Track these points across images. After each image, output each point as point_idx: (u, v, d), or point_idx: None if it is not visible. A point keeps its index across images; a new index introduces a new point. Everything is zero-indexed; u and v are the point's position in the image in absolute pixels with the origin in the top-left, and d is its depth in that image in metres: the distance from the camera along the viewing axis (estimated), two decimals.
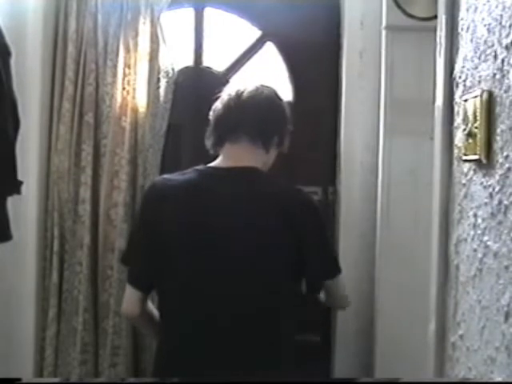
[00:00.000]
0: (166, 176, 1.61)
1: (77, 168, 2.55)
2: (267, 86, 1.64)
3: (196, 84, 2.68)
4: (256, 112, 1.57)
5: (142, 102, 2.54)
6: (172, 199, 1.51)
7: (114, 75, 2.52)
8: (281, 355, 1.50)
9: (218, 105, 1.61)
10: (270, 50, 2.73)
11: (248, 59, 2.73)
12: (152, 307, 1.61)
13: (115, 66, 2.52)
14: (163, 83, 2.56)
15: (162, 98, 2.56)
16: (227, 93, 1.61)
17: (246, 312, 1.46)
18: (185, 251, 1.47)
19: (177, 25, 2.71)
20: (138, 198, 2.51)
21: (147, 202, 1.58)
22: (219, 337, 1.46)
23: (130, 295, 1.55)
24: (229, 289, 1.46)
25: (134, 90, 2.54)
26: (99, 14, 2.52)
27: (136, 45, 2.53)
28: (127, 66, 2.54)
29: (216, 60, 2.72)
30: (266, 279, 1.47)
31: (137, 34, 2.53)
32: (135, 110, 2.54)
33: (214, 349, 1.45)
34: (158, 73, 2.56)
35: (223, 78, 2.59)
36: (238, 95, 1.58)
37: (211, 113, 1.62)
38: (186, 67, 2.71)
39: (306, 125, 2.68)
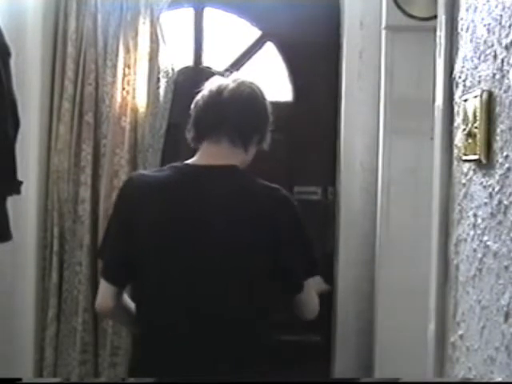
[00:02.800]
0: (142, 172, 1.61)
1: (76, 168, 2.56)
2: (250, 83, 1.60)
3: (196, 84, 2.67)
4: (237, 112, 1.55)
5: (141, 101, 2.54)
6: (147, 195, 1.49)
7: (114, 75, 2.52)
8: (254, 354, 1.48)
9: (199, 100, 1.59)
10: (270, 50, 2.73)
11: (248, 59, 2.73)
12: (128, 301, 1.58)
13: (115, 66, 2.52)
14: (163, 83, 2.57)
15: (161, 98, 2.56)
16: (209, 88, 1.58)
17: (221, 310, 1.45)
18: (158, 248, 1.46)
19: (177, 25, 2.71)
20: None
21: (122, 196, 1.56)
22: (193, 335, 1.45)
23: (104, 290, 1.53)
24: (204, 287, 1.44)
25: (133, 89, 2.54)
26: (99, 13, 2.52)
27: (136, 45, 2.53)
28: (127, 65, 2.54)
29: (216, 60, 2.72)
30: (242, 277, 1.46)
31: (136, 34, 2.53)
32: (135, 110, 2.54)
33: (187, 347, 1.44)
34: (158, 73, 2.56)
35: None
36: (219, 92, 1.55)
37: (192, 106, 1.60)
38: (186, 67, 2.71)
39: (306, 125, 2.68)
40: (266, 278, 1.49)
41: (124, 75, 2.53)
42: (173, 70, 2.58)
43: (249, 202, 1.48)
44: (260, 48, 2.73)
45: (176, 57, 2.61)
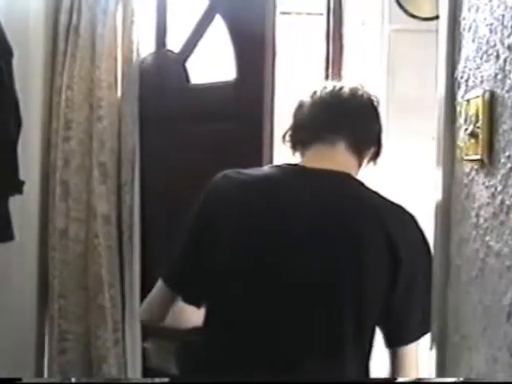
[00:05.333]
0: (237, 170, 1.37)
1: None
2: (365, 88, 1.47)
3: (161, 68, 2.61)
4: (359, 114, 1.41)
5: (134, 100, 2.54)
6: (238, 197, 1.30)
7: (112, 71, 2.53)
8: None
9: (313, 98, 1.41)
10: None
11: (200, 36, 2.52)
12: None
13: (114, 63, 2.53)
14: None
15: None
16: (322, 88, 1.41)
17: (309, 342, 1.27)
18: (244, 263, 1.28)
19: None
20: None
21: (208, 196, 1.35)
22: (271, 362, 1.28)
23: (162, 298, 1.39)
24: (296, 311, 1.27)
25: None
26: (98, 10, 2.52)
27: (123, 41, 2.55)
28: (125, 61, 2.54)
29: (173, 40, 2.60)
30: (344, 310, 1.27)
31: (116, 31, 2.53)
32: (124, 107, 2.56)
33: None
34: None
35: (181, 59, 2.51)
36: (338, 91, 1.40)
37: (301, 104, 1.42)
38: (150, 53, 2.64)
39: None
40: (374, 318, 1.30)
41: (123, 72, 2.55)
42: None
43: (370, 219, 1.30)
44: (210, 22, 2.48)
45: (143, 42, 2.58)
